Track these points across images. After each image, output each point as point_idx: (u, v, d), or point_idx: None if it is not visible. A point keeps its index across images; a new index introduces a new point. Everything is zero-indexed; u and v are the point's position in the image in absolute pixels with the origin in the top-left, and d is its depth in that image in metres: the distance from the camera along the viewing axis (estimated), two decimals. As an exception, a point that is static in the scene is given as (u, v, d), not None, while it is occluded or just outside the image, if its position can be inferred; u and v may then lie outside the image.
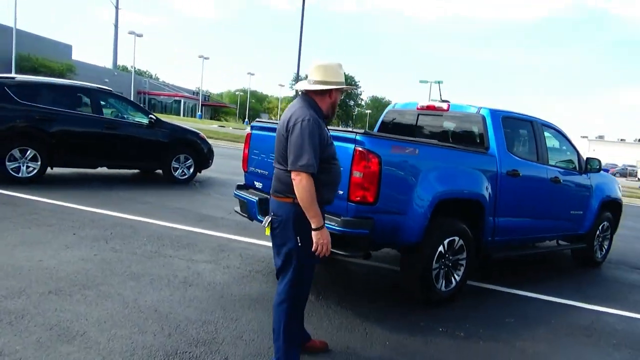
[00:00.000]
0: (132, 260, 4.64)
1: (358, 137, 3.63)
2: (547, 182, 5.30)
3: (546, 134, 5.53)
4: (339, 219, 3.69)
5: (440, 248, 4.15)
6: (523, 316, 4.30)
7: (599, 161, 5.89)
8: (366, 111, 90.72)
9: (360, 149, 3.61)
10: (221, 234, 6.03)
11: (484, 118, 4.84)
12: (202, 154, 10.03)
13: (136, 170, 10.09)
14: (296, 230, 2.67)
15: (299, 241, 2.67)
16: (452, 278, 4.35)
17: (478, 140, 4.90)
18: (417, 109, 5.48)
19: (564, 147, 5.94)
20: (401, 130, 5.62)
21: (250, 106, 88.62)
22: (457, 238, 4.28)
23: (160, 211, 6.91)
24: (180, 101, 68.82)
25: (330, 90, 2.80)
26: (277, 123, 4.22)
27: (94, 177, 9.30)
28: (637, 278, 6.24)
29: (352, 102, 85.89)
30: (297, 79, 34.28)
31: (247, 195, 4.68)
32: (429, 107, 5.35)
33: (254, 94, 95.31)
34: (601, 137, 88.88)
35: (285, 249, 2.74)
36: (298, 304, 2.83)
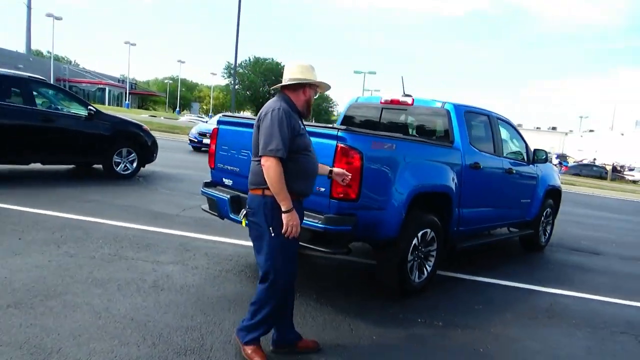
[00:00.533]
0: (92, 265, 4.34)
1: (340, 134, 3.60)
2: (503, 173, 5.58)
3: (499, 126, 5.79)
4: (322, 216, 3.66)
5: (415, 241, 4.24)
6: (489, 302, 4.51)
7: (546, 152, 6.27)
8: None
9: (342, 145, 3.59)
10: (180, 233, 5.80)
11: (448, 112, 4.98)
12: (145, 148, 9.56)
13: (71, 166, 9.46)
14: (268, 220, 2.79)
15: (271, 231, 2.79)
16: (424, 269, 4.47)
17: (443, 135, 5.04)
18: (381, 103, 5.54)
19: (515, 139, 6.26)
20: (364, 124, 5.65)
21: (181, 95, 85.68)
22: (429, 230, 4.39)
23: (108, 209, 6.51)
24: (104, 89, 65.05)
25: (304, 87, 2.95)
26: (245, 117, 4.10)
27: (28, 174, 8.58)
28: (577, 259, 6.75)
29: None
30: (235, 67, 33.55)
31: (217, 193, 4.51)
32: (393, 102, 5.42)
33: (184, 82, 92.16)
34: (519, 125, 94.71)
35: (262, 240, 2.86)
36: (276, 292, 2.90)
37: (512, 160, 5.87)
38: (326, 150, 3.63)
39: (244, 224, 2.99)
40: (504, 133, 5.86)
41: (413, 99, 5.25)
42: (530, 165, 6.30)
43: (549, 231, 7.08)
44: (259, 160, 2.78)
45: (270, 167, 2.69)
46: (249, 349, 2.97)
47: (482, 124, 5.43)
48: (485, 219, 5.51)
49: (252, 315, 2.99)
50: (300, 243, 3.74)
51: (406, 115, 5.51)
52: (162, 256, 4.83)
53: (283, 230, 2.75)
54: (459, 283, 5.03)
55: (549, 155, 6.30)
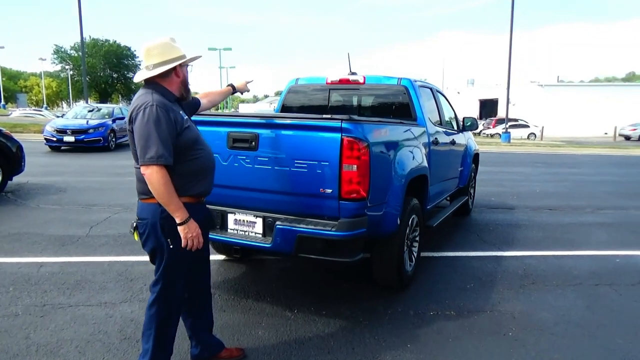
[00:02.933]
0: (18, 325, 3.29)
1: (345, 125, 3.12)
2: (449, 145, 5.57)
3: (439, 98, 5.75)
4: (336, 223, 3.17)
5: (407, 230, 3.99)
6: (475, 278, 4.47)
7: (475, 119, 6.43)
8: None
9: (348, 138, 3.12)
10: (108, 259, 4.78)
11: (407, 88, 4.75)
12: (11, 156, 7.84)
13: None
14: (165, 232, 2.43)
15: (169, 243, 2.45)
16: (412, 256, 4.26)
17: (403, 113, 4.80)
18: (328, 83, 5.09)
19: (447, 109, 6.30)
20: (310, 109, 5.18)
21: (3, 86, 73.72)
22: (415, 216, 4.17)
23: (-6, 243, 5.13)
24: None
25: (174, 68, 2.50)
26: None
27: None
28: (501, 217, 7.18)
29: (131, 74, 78.69)
30: (83, 50, 29.48)
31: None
32: (341, 81, 5.00)
33: (4, 70, 79.33)
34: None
35: (156, 252, 2.50)
36: (171, 309, 2.60)
37: (451, 131, 5.90)
38: (328, 146, 3.14)
39: (136, 237, 2.55)
40: (442, 104, 5.84)
41: (364, 77, 4.90)
42: (460, 133, 6.43)
43: (473, 194, 7.42)
44: (139, 168, 2.39)
45: (152, 177, 2.30)
46: None
47: (429, 97, 5.30)
48: (440, 193, 5.48)
49: (145, 341, 2.60)
50: (309, 256, 3.26)
51: (359, 96, 5.14)
52: (106, 295, 3.89)
53: (182, 244, 2.43)
54: (433, 261, 4.93)
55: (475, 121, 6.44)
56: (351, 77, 4.94)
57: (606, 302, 3.99)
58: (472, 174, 7.14)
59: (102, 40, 71.38)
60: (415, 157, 4.09)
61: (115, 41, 72.74)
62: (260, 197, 3.46)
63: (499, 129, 33.46)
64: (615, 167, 15.72)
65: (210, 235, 3.51)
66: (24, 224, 6.02)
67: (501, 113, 38.63)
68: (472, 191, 7.33)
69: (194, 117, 2.94)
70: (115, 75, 75.34)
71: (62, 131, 14.97)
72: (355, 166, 3.13)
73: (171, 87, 2.54)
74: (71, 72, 69.15)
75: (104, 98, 70.29)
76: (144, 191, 2.45)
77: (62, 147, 15.36)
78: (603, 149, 25.45)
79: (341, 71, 5.11)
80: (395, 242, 3.81)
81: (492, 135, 35.85)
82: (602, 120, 40.29)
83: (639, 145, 30.53)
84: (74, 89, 69.42)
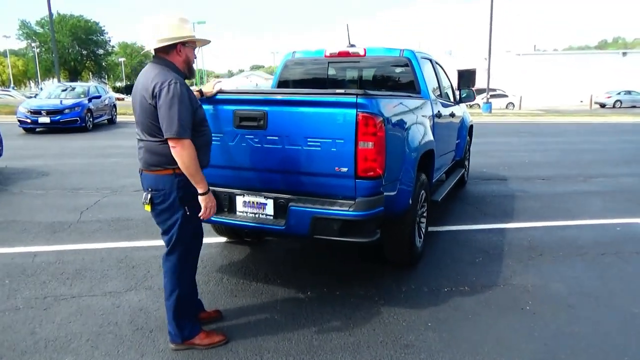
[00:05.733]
0: (22, 320, 3.13)
1: (360, 100, 2.97)
2: (449, 118, 5.48)
3: (438, 69, 5.62)
4: (353, 202, 3.07)
5: (417, 206, 3.91)
6: (482, 252, 4.45)
7: (472, 91, 6.32)
8: (119, 59, 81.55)
9: (364, 113, 2.98)
10: (105, 245, 4.60)
11: (410, 60, 4.61)
12: (-13, 141, 7.46)
13: None
14: (182, 201, 2.61)
15: (187, 211, 2.63)
16: (421, 232, 4.20)
17: (407, 86, 4.66)
18: (326, 56, 4.90)
19: (445, 80, 6.17)
20: (309, 83, 5.00)
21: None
22: (423, 191, 4.09)
23: (-20, 232, 4.90)
24: None
25: (176, 46, 2.59)
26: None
27: None
28: (497, 188, 7.18)
29: (101, 51, 76.09)
30: (51, 23, 28.20)
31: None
32: (341, 54, 4.82)
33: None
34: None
35: (171, 221, 2.65)
36: (188, 272, 2.83)
37: (450, 103, 5.80)
38: (343, 122, 3.00)
39: (148, 208, 2.65)
40: (441, 75, 5.72)
41: (365, 49, 4.73)
42: (457, 105, 6.33)
43: (468, 166, 7.39)
44: (160, 140, 2.51)
45: (182, 150, 2.46)
46: (200, 339, 2.81)
47: (430, 69, 5.17)
48: (442, 167, 5.41)
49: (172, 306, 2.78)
50: (325, 238, 3.16)
51: (359, 69, 4.97)
52: (109, 284, 3.74)
53: (201, 213, 2.65)
54: (437, 236, 4.89)
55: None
56: (351, 50, 4.77)
57: (615, 272, 4.01)
58: (468, 146, 7.10)
59: (70, 15, 68.57)
60: (425, 132, 3.99)
61: (83, 16, 69.99)
62: (271, 178, 3.32)
63: (479, 99, 33.56)
64: (597, 135, 15.96)
65: (219, 219, 3.41)
66: (9, 211, 5.76)
67: (479, 83, 38.78)
68: (467, 163, 7.30)
69: None
70: (84, 52, 72.78)
71: (36, 112, 14.39)
72: (371, 143, 3.00)
73: (178, 65, 2.63)
74: (38, 50, 66.36)
75: (73, 76, 67.87)
76: (159, 163, 2.55)
77: (37, 129, 14.80)
78: (582, 117, 25.84)
79: (340, 44, 4.93)
80: (408, 220, 3.74)
81: (471, 106, 35.99)
82: (577, 88, 40.81)
83: (615, 112, 31.13)
84: (41, 67, 66.69)
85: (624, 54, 45.83)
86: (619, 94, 37.46)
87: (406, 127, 3.56)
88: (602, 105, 37.15)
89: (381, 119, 3.04)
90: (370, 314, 3.25)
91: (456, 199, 6.46)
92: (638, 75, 39.98)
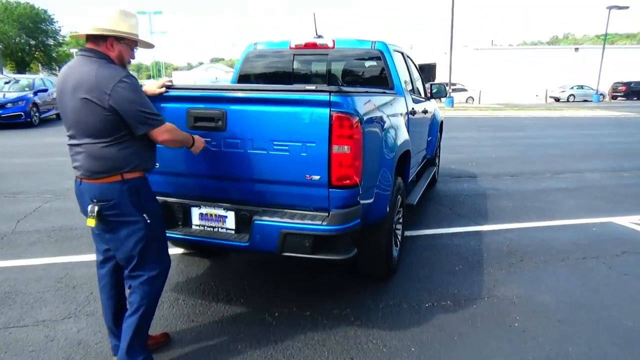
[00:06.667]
0: None
1: (334, 98, 2.59)
2: (422, 114, 5.18)
3: (410, 63, 5.31)
4: (327, 215, 2.68)
5: (394, 213, 3.58)
6: (460, 258, 4.17)
7: (443, 86, 6.05)
8: (71, 50, 77.92)
9: (338, 113, 2.60)
10: (43, 260, 4.06)
11: (382, 53, 4.25)
12: None
13: None
14: (138, 207, 2.34)
15: (146, 218, 2.36)
16: (397, 240, 3.87)
17: (378, 80, 4.31)
18: (292, 48, 4.48)
19: (415, 75, 5.87)
20: (272, 78, 4.57)
21: None
22: (399, 196, 3.76)
23: None
24: None
25: (107, 39, 2.29)
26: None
27: None
28: (468, 187, 6.98)
29: (51, 41, 72.41)
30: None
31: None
32: (307, 46, 4.40)
33: None
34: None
35: (127, 232, 2.34)
36: (160, 284, 2.54)
37: (421, 99, 5.50)
38: (314, 123, 2.62)
39: (94, 223, 2.29)
40: (412, 69, 5.41)
41: (334, 41, 4.35)
42: (428, 101, 6.05)
43: (438, 164, 7.15)
44: (106, 143, 2.23)
45: (169, 134, 2.36)
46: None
47: (402, 62, 4.84)
48: (415, 167, 5.11)
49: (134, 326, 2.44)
50: (295, 255, 2.77)
51: (327, 62, 4.57)
52: (43, 310, 3.23)
53: (201, 149, 2.63)
54: (412, 241, 4.58)
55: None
56: (318, 41, 4.36)
57: (600, 278, 3.81)
58: (438, 143, 6.85)
59: (15, 3, 64.78)
60: (401, 131, 3.65)
61: (29, 3, 66.26)
62: (232, 187, 2.90)
63: (440, 93, 33.78)
64: (556, 128, 16.22)
65: (172, 234, 2.96)
66: None
67: (439, 77, 39.13)
68: (437, 161, 7.06)
69: None
70: (32, 42, 69.03)
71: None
72: (347, 147, 2.63)
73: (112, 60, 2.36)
74: (-21, 40, 62.45)
75: (21, 68, 64.24)
76: (104, 169, 2.25)
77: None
78: (540, 110, 26.39)
79: (306, 34, 4.52)
80: (385, 229, 3.39)
81: (432, 99, 36.29)
82: (532, 82, 41.83)
83: (570, 106, 32.06)
84: (-14, 58, 62.90)
85: (576, 49, 47.26)
86: (572, 88, 38.66)
87: (384, 127, 3.20)
88: (557, 99, 38.25)
89: (357, 119, 2.66)
90: (347, 339, 2.89)
91: (428, 199, 6.18)
92: (589, 70, 41.35)
